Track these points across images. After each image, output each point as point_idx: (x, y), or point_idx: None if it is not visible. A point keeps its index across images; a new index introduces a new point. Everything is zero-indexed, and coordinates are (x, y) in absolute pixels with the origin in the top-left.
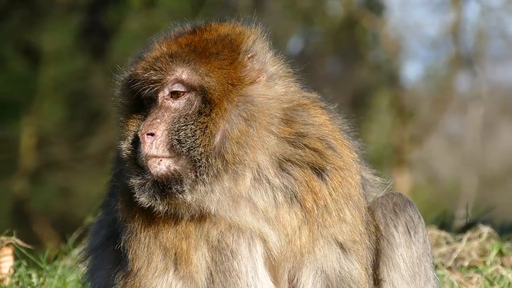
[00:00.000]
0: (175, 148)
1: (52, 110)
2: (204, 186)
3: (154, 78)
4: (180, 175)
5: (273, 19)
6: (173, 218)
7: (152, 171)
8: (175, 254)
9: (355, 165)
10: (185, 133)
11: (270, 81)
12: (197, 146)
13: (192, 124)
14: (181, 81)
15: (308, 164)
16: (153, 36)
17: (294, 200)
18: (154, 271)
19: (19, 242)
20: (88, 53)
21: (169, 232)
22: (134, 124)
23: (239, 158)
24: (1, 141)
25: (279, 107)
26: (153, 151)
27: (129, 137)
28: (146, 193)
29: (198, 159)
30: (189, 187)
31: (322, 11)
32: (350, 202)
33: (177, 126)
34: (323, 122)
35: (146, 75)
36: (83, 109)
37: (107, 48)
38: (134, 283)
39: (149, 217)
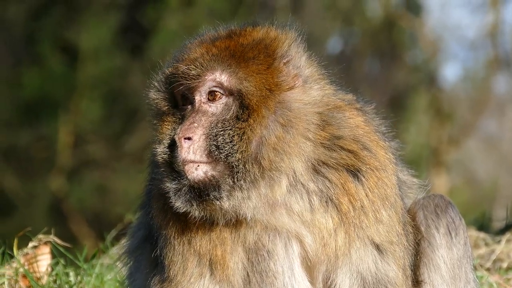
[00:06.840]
0: (213, 154)
1: (90, 108)
2: (241, 193)
3: (193, 72)
4: (218, 181)
5: (312, 19)
6: (207, 224)
7: (189, 177)
8: (210, 260)
9: (391, 166)
10: (223, 138)
11: (305, 85)
12: (235, 152)
13: (230, 129)
14: (220, 84)
15: (343, 166)
16: (186, 40)
17: (329, 203)
18: (189, 277)
19: (57, 240)
20: (126, 51)
21: (203, 239)
22: (168, 128)
23: (275, 165)
24: (39, 139)
25: (315, 112)
26: (191, 156)
27: (164, 141)
28: (182, 198)
29: (236, 165)
30: (226, 193)
31: (361, 11)
32: (387, 202)
33: (215, 131)
34: (359, 124)
35: (186, 68)
36: (121, 107)
37: (145, 47)
38: None
39: (183, 224)
